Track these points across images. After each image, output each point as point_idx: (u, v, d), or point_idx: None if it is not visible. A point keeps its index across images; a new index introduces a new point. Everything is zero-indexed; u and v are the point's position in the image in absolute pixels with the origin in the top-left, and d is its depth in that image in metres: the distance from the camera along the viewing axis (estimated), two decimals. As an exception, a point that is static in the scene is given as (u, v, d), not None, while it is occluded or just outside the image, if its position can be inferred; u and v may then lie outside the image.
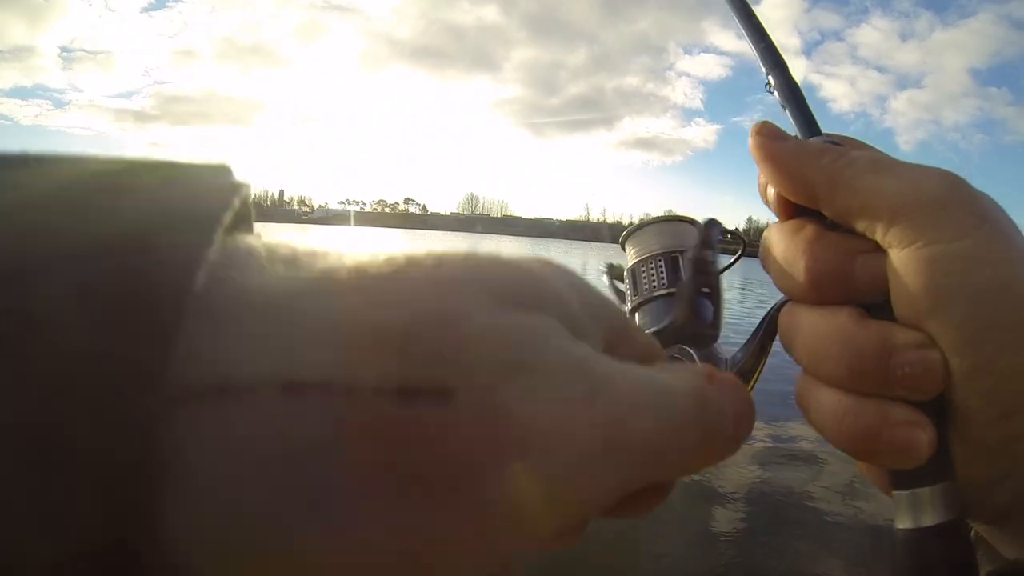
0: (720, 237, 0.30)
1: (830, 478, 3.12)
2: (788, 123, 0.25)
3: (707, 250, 0.30)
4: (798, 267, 0.21)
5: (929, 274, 0.19)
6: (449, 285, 0.11)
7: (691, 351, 0.29)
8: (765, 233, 0.24)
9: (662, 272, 0.32)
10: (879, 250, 0.20)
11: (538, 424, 0.10)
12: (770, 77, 0.27)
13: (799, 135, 0.25)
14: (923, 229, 0.19)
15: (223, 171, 0.12)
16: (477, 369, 0.10)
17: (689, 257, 0.30)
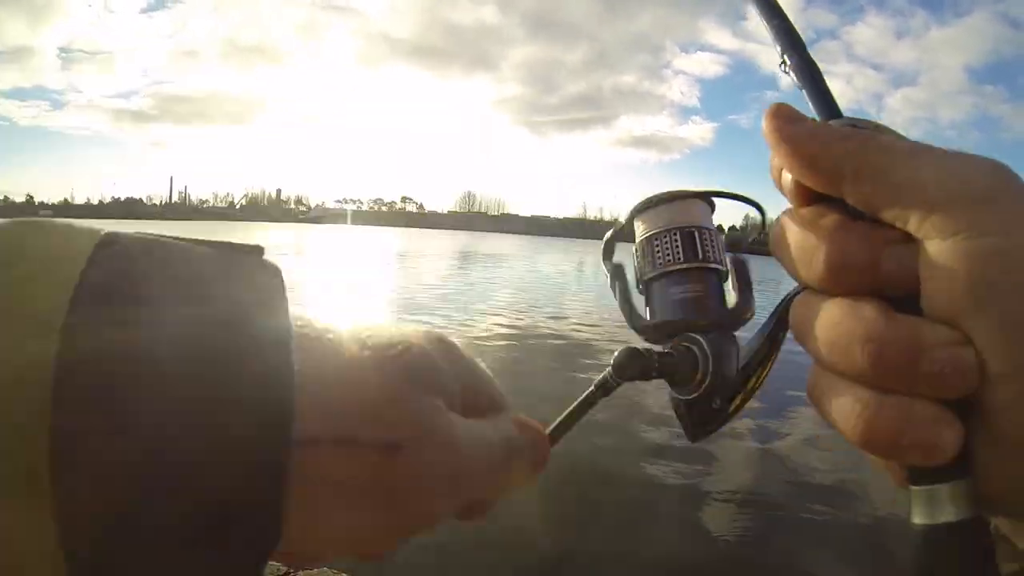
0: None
1: (829, 474, 3.10)
2: (806, 106, 0.24)
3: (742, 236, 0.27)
4: (819, 255, 0.20)
5: (970, 268, 0.18)
6: (392, 375, 0.18)
7: (701, 339, 0.28)
8: (779, 218, 0.23)
9: (677, 246, 0.30)
10: (909, 240, 0.19)
11: (438, 466, 0.19)
12: (785, 56, 0.26)
13: (817, 118, 0.23)
14: (967, 221, 0.18)
15: (259, 254, 0.18)
16: (413, 433, 0.18)
17: (716, 237, 0.30)
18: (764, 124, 0.22)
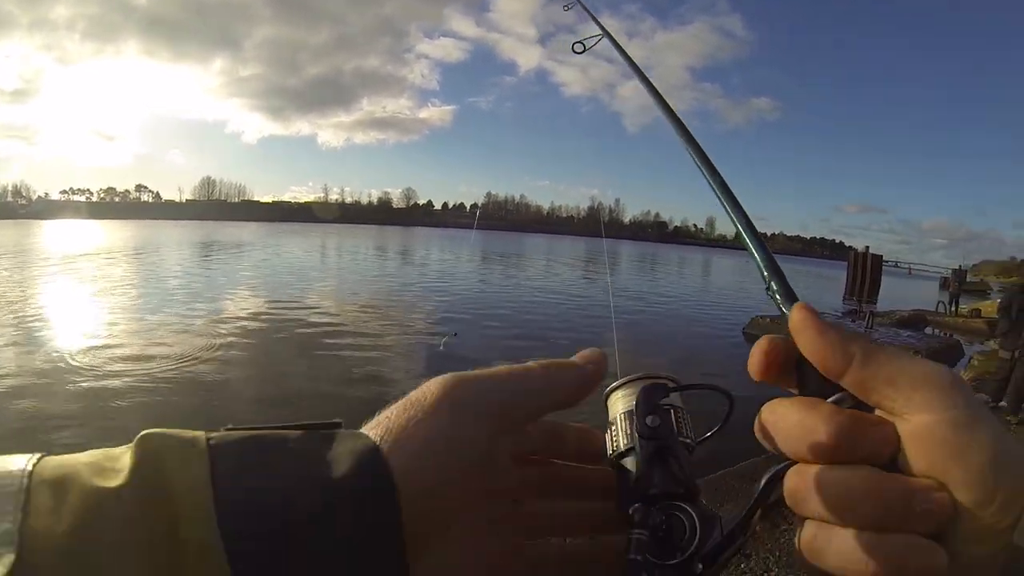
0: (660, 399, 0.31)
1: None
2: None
3: (648, 415, 0.30)
4: (820, 434, 0.26)
5: (946, 434, 0.24)
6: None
7: (689, 509, 0.29)
8: (767, 407, 0.28)
9: (615, 432, 0.32)
10: (885, 421, 0.26)
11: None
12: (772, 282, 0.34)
13: (781, 306, 0.32)
14: (939, 400, 0.25)
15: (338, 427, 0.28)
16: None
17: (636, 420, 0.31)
18: (797, 315, 0.29)
